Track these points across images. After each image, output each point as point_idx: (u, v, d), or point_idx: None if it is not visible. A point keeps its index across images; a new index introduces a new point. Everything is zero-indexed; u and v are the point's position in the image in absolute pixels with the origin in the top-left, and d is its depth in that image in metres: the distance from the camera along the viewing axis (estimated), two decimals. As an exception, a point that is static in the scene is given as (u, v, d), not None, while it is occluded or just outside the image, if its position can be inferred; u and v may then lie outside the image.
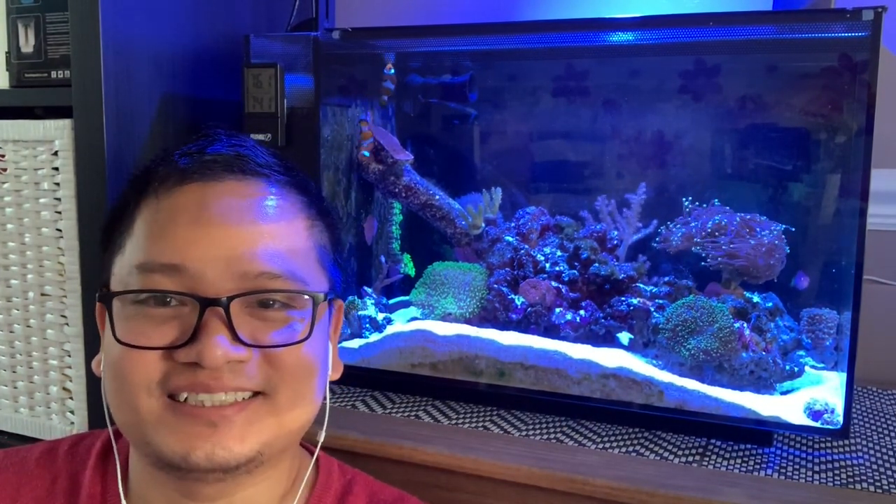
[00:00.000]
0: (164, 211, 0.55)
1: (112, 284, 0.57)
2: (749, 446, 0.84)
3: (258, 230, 0.55)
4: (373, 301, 1.08)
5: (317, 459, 0.65)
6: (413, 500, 0.66)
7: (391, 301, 1.15)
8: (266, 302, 0.55)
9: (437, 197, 1.10)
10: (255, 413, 0.54)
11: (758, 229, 0.92)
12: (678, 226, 0.98)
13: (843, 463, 0.80)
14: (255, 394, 0.55)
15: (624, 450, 0.83)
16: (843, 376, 0.81)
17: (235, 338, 0.53)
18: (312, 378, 0.58)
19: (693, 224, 0.96)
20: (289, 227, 0.57)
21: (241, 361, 0.53)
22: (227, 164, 0.57)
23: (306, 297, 0.56)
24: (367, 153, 1.07)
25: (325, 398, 0.61)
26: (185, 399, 0.53)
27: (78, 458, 0.64)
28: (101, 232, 0.61)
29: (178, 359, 0.52)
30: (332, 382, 0.63)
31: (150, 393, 0.53)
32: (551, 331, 0.96)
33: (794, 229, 0.93)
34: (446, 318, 1.01)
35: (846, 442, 0.85)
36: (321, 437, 0.64)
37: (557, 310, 0.97)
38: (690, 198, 0.98)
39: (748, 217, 0.94)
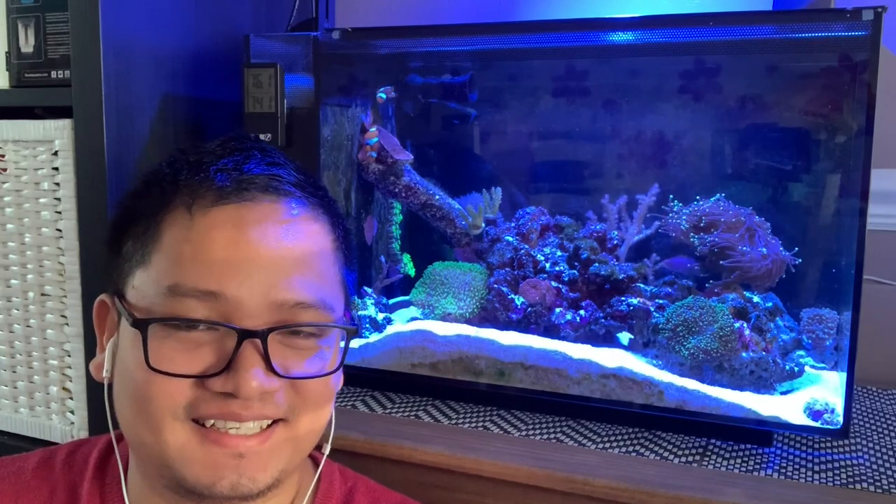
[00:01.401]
0: (198, 231, 0.54)
1: (130, 296, 0.55)
2: (749, 446, 0.84)
3: (293, 257, 0.55)
4: (373, 301, 1.08)
5: (320, 468, 0.65)
6: None
7: (391, 301, 1.15)
8: (297, 331, 0.55)
9: (437, 197, 1.10)
10: (277, 441, 0.55)
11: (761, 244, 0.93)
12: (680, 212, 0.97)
13: (843, 463, 0.80)
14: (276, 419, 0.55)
15: (624, 450, 0.83)
16: (843, 376, 0.81)
17: (270, 369, 0.52)
18: (331, 401, 0.60)
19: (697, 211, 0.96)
20: (320, 253, 0.57)
21: (272, 391, 0.53)
22: (263, 184, 0.56)
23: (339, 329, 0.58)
24: (374, 153, 1.06)
25: (331, 413, 0.62)
26: (212, 425, 0.53)
27: (76, 467, 0.64)
28: (111, 229, 0.59)
29: (212, 388, 0.52)
30: None
31: (176, 417, 0.52)
32: (551, 331, 0.96)
33: (799, 258, 0.94)
34: (446, 318, 1.01)
35: (846, 442, 0.85)
36: (326, 449, 0.64)
37: (557, 310, 0.97)
38: (677, 200, 0.98)
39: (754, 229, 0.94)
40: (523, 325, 0.98)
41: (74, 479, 0.63)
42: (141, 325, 0.53)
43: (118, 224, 0.58)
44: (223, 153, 0.57)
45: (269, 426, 0.54)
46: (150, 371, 0.52)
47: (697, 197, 0.97)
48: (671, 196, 0.98)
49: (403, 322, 1.05)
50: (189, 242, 0.53)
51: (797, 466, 0.79)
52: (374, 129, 1.06)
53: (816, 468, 0.79)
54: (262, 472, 0.53)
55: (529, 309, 0.98)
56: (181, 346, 0.52)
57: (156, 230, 0.55)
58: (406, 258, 1.18)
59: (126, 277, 0.56)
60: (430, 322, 1.01)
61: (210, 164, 0.56)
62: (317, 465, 0.65)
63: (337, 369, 0.57)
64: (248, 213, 0.54)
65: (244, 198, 0.55)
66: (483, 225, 1.08)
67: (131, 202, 0.58)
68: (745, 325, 0.89)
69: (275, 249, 0.54)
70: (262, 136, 0.96)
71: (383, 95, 1.07)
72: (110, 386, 0.58)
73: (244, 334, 0.52)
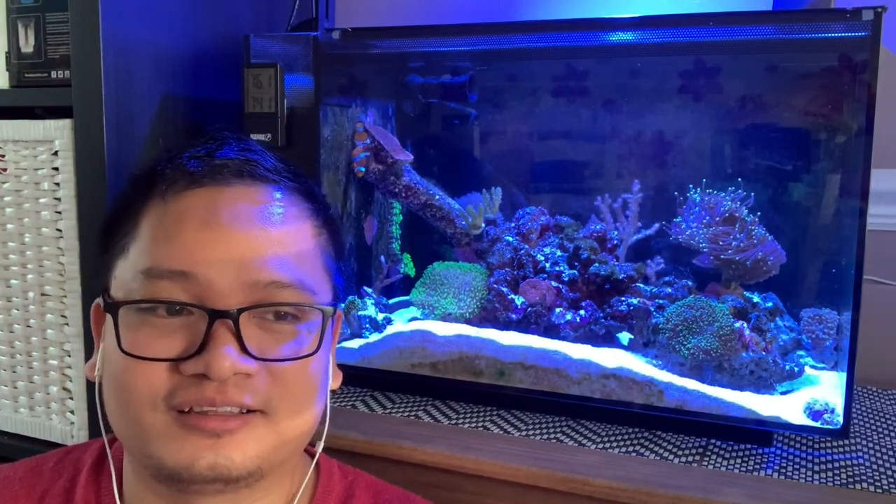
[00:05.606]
0: (172, 215, 0.54)
1: (113, 288, 0.56)
2: (749, 446, 0.84)
3: (267, 236, 0.54)
4: (373, 301, 1.08)
5: (316, 463, 0.65)
6: (417, 500, 0.66)
7: (391, 301, 1.15)
8: (275, 313, 0.54)
9: (437, 197, 1.10)
10: (256, 428, 0.53)
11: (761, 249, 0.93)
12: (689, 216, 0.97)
13: (843, 463, 0.80)
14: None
15: (624, 450, 0.83)
16: (843, 376, 0.81)
17: (244, 350, 0.52)
18: (314, 391, 0.57)
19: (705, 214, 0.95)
20: (297, 234, 0.57)
21: (248, 375, 0.52)
22: (236, 168, 0.56)
23: (317, 309, 0.56)
24: (363, 169, 1.06)
25: (325, 407, 0.60)
26: (190, 410, 0.52)
27: (66, 473, 0.63)
28: (100, 232, 0.59)
29: (185, 371, 0.51)
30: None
31: (156, 407, 0.52)
32: (551, 331, 0.96)
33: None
34: (446, 318, 1.01)
35: (846, 442, 0.85)
36: (320, 445, 0.63)
37: (557, 310, 0.97)
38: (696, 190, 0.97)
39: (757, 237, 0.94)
40: (523, 325, 0.98)
41: (66, 484, 0.62)
42: (112, 308, 0.53)
43: (105, 226, 0.59)
44: (198, 143, 0.58)
45: (247, 413, 0.53)
46: (127, 357, 0.52)
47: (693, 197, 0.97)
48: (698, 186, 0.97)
49: (403, 322, 1.05)
50: (162, 226, 0.54)
51: (797, 466, 0.79)
52: (362, 150, 1.06)
53: (816, 468, 0.79)
54: (239, 453, 0.52)
55: (529, 309, 0.98)
56: (156, 331, 0.52)
57: (134, 222, 0.56)
58: (406, 258, 1.18)
59: (109, 272, 0.57)
60: (430, 322, 1.01)
61: (185, 153, 0.57)
62: (314, 460, 0.65)
63: (314, 352, 0.55)
64: (220, 195, 0.55)
65: (217, 181, 0.55)
66: (483, 225, 1.08)
67: (116, 202, 0.59)
68: (745, 325, 0.89)
69: (247, 229, 0.54)
70: (262, 137, 0.96)
71: (361, 127, 1.07)
72: (101, 385, 0.57)
73: (215, 314, 0.51)
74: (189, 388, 0.52)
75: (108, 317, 0.55)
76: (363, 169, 1.06)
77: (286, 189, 0.58)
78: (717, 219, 0.95)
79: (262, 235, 0.54)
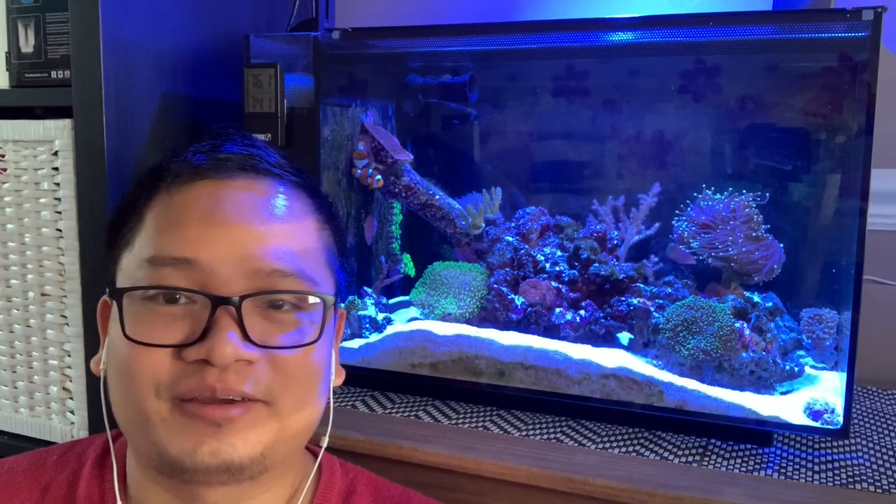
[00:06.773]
0: (176, 206, 0.55)
1: (119, 280, 0.57)
2: (749, 446, 0.84)
3: (270, 228, 0.55)
4: (373, 301, 1.08)
5: (319, 460, 0.65)
6: (417, 496, 0.66)
7: (391, 301, 1.15)
8: (276, 303, 0.55)
9: (437, 197, 1.10)
10: (258, 416, 0.54)
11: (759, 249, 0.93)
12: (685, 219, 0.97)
13: (843, 463, 0.80)
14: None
15: (624, 450, 0.83)
16: (843, 376, 0.81)
17: (246, 338, 0.52)
18: (316, 383, 0.58)
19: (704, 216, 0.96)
20: (300, 227, 0.57)
21: (250, 362, 0.53)
22: (240, 162, 0.57)
23: (317, 299, 0.56)
24: (380, 178, 1.06)
25: (328, 402, 0.61)
26: (192, 399, 0.52)
27: (70, 466, 0.63)
28: (106, 229, 0.60)
29: (187, 357, 0.52)
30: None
31: (159, 395, 0.52)
32: (551, 331, 0.96)
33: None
34: (446, 318, 1.01)
35: (846, 442, 0.85)
36: (324, 442, 0.64)
37: (557, 310, 0.97)
38: (690, 200, 0.98)
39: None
40: (523, 325, 0.98)
41: (70, 477, 0.62)
42: (116, 294, 0.54)
43: (112, 223, 0.60)
44: (203, 140, 0.60)
45: (249, 401, 0.53)
46: (131, 344, 0.52)
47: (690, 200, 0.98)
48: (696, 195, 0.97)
49: (403, 322, 1.05)
50: (166, 217, 0.55)
51: (797, 466, 0.79)
52: (362, 149, 1.06)
53: (816, 468, 0.79)
54: (241, 441, 0.52)
55: (529, 309, 0.98)
56: (159, 319, 0.53)
57: (139, 215, 0.57)
58: (406, 258, 1.18)
59: (115, 265, 0.58)
60: (430, 322, 1.01)
61: (190, 148, 0.59)
62: (316, 458, 0.65)
63: (315, 341, 0.56)
64: (224, 187, 0.56)
65: (220, 174, 0.56)
66: (483, 225, 1.08)
67: (123, 201, 0.60)
68: (745, 325, 0.89)
69: (249, 220, 0.55)
70: (262, 137, 0.96)
71: (361, 145, 1.07)
72: (106, 380, 0.58)
73: (217, 301, 0.52)
74: (191, 376, 0.52)
75: (114, 308, 0.55)
76: (380, 178, 1.06)
77: (289, 184, 0.59)
78: (720, 218, 0.95)
79: (264, 226, 0.55)
